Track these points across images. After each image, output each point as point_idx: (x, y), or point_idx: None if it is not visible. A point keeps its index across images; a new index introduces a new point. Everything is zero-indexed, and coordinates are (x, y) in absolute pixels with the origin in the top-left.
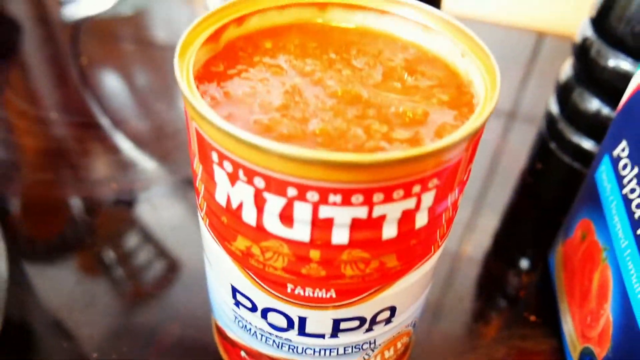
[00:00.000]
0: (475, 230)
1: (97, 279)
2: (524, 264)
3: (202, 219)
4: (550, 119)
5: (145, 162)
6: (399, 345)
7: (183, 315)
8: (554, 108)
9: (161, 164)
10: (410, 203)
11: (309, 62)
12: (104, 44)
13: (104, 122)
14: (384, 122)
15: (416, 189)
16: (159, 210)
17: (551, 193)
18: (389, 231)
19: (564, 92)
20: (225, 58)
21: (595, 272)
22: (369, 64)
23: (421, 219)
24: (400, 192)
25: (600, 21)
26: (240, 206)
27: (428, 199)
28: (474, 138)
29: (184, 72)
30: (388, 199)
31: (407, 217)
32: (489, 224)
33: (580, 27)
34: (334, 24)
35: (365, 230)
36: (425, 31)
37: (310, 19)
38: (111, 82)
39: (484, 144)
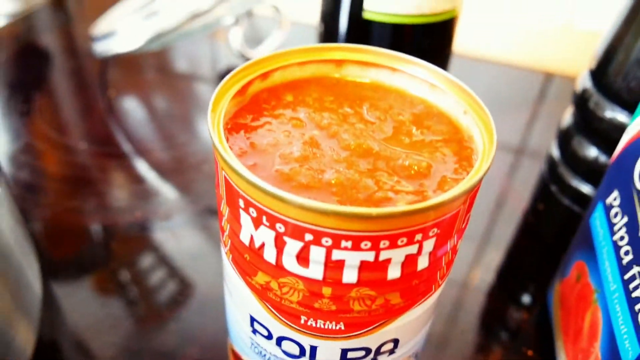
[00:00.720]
0: (479, 266)
1: (121, 303)
2: (525, 300)
3: (226, 254)
4: (551, 163)
5: (167, 192)
6: None
7: (201, 340)
8: (555, 152)
9: (183, 194)
10: (412, 249)
11: (326, 115)
12: (129, 76)
13: (129, 152)
14: (392, 174)
15: (418, 237)
16: (179, 238)
17: (551, 233)
18: (394, 272)
19: (564, 139)
20: (251, 110)
21: (587, 312)
22: (380, 118)
23: (422, 262)
24: (404, 240)
25: (599, 74)
26: (262, 246)
27: (429, 245)
28: (471, 192)
29: (215, 124)
30: (393, 245)
31: (409, 261)
32: (492, 261)
33: (581, 79)
34: (349, 79)
35: (372, 271)
36: (432, 89)
37: (327, 74)
38: (136, 114)
39: (490, 183)
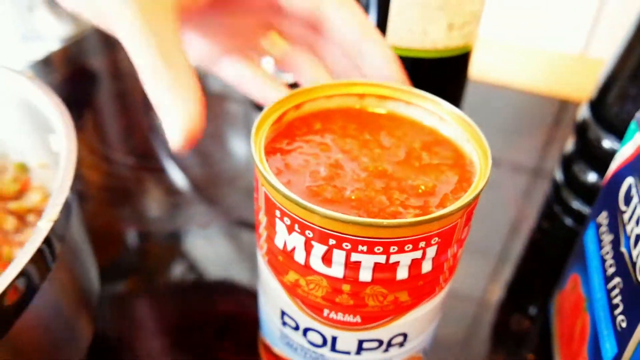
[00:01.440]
0: (489, 279)
1: (160, 303)
2: (529, 309)
3: (262, 256)
4: (555, 186)
5: (203, 204)
6: None
7: (234, 334)
8: (559, 176)
9: (217, 206)
10: (417, 254)
11: (349, 141)
12: None
13: (169, 167)
14: (402, 192)
15: (422, 244)
16: (214, 246)
17: (554, 249)
18: (402, 273)
19: (566, 164)
20: (285, 136)
21: (578, 318)
22: (395, 144)
23: (426, 266)
24: (410, 246)
25: (596, 106)
26: (293, 249)
27: (431, 251)
28: (468, 209)
29: (257, 148)
30: (401, 250)
31: (415, 264)
32: (501, 274)
33: (581, 110)
34: (369, 110)
35: (384, 272)
36: (440, 120)
37: (351, 105)
38: None
39: (504, 202)
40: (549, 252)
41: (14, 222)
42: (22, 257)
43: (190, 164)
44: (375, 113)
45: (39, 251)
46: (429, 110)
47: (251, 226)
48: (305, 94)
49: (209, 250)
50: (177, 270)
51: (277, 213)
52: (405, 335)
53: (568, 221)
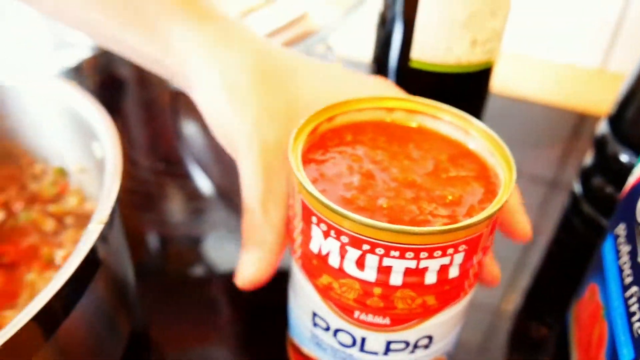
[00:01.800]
0: (510, 289)
1: (185, 304)
2: (547, 318)
3: (296, 260)
4: (574, 198)
5: (227, 210)
6: None
7: (261, 335)
8: (577, 188)
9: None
10: (445, 260)
11: (379, 152)
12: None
13: (195, 173)
14: (431, 202)
15: (450, 251)
16: (239, 251)
17: (572, 260)
18: (430, 278)
19: (585, 177)
20: (320, 147)
21: (596, 326)
22: (423, 156)
23: (453, 272)
24: (439, 252)
25: (615, 121)
26: (328, 254)
27: (458, 258)
28: (493, 218)
29: (295, 158)
30: (430, 256)
31: (443, 270)
32: (522, 284)
33: (600, 125)
34: (398, 123)
35: (413, 276)
36: (466, 134)
37: (381, 118)
38: (201, 139)
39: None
40: (567, 262)
41: (53, 224)
42: (74, 257)
43: (215, 171)
44: (404, 126)
45: (89, 252)
46: (456, 124)
47: None
48: (338, 108)
49: (233, 255)
50: (202, 274)
51: (314, 219)
52: (430, 338)
53: (586, 232)
